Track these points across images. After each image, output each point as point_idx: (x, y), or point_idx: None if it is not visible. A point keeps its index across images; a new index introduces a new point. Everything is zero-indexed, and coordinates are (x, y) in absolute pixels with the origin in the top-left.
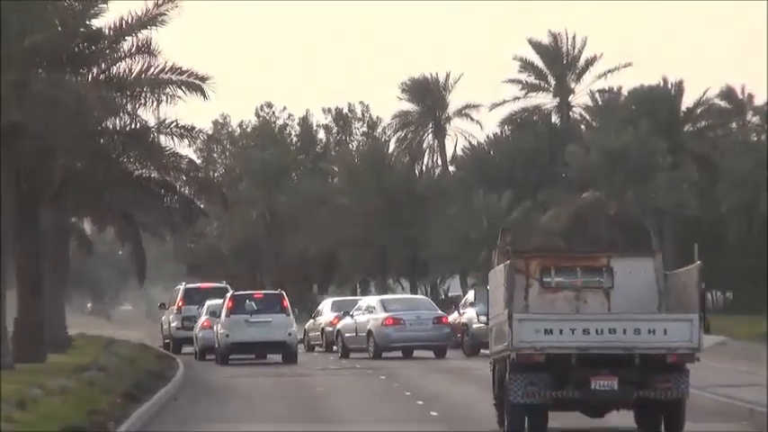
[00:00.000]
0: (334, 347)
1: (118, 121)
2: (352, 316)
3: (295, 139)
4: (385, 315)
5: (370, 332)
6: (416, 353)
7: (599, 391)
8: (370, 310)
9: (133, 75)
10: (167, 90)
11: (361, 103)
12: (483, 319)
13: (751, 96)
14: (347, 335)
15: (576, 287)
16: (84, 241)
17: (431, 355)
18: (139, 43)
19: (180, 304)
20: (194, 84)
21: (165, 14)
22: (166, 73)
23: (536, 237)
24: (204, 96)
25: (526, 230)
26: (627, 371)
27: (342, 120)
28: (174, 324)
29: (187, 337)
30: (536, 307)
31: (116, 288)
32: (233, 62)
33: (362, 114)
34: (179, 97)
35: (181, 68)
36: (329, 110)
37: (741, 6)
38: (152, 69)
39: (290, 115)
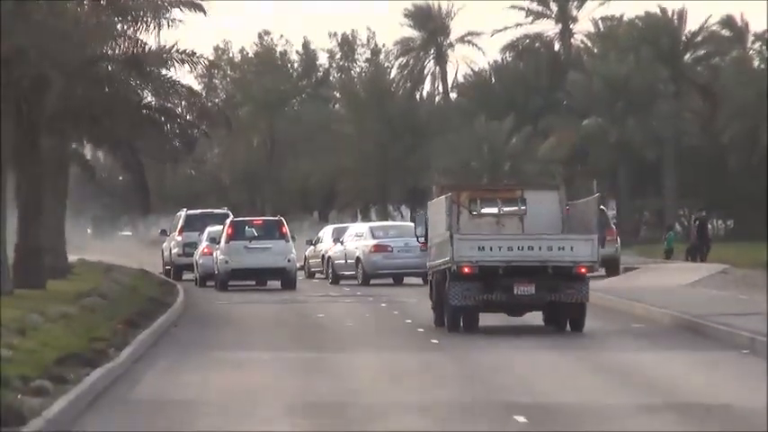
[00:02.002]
0: None
1: (120, 45)
2: (342, 242)
3: (296, 65)
4: (373, 242)
5: (358, 259)
6: (407, 279)
7: (520, 296)
8: (359, 237)
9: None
10: (168, 14)
11: (367, 29)
12: (422, 240)
13: (747, 24)
14: (337, 261)
15: (498, 213)
16: (85, 167)
17: (420, 281)
18: None
19: (181, 230)
20: (194, 2)
21: None
22: None
23: (536, 163)
24: (204, 13)
25: (527, 157)
26: (542, 279)
27: (347, 45)
28: (174, 250)
29: (188, 264)
30: (465, 229)
31: (116, 214)
32: None
33: (368, 40)
34: (180, 21)
35: None
36: (335, 34)
37: None
38: None
39: (287, 41)
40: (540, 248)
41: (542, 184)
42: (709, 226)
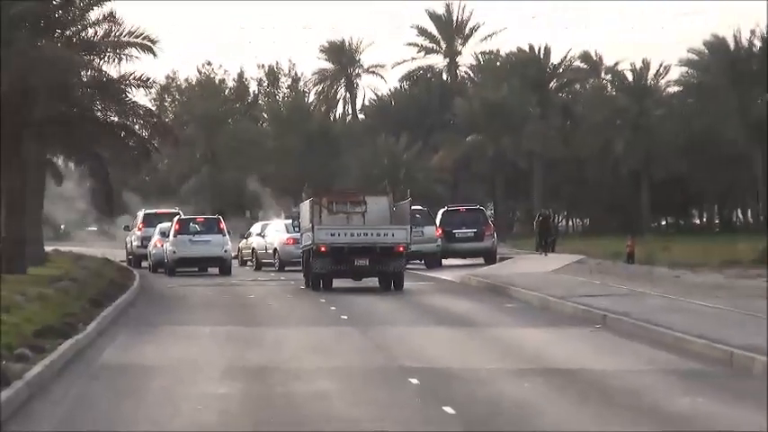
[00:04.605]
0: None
1: (87, 75)
2: (263, 236)
3: (231, 91)
4: (287, 236)
5: (275, 249)
6: None
7: (359, 266)
8: (277, 232)
9: (99, 37)
10: (126, 51)
11: (289, 60)
12: (297, 229)
13: (600, 57)
14: (259, 251)
15: (347, 211)
16: (56, 173)
17: None
18: (105, 14)
19: (140, 226)
20: (147, 45)
21: None
22: (125, 36)
23: (426, 172)
24: (154, 55)
25: (419, 167)
26: (373, 255)
27: (273, 75)
28: (135, 243)
29: (146, 254)
30: (325, 222)
31: (84, 212)
32: (183, 27)
33: (289, 70)
34: (137, 57)
35: (136, 32)
36: (263, 65)
37: None
38: (114, 33)
39: (225, 71)
40: (372, 234)
41: (378, 191)
42: (553, 221)
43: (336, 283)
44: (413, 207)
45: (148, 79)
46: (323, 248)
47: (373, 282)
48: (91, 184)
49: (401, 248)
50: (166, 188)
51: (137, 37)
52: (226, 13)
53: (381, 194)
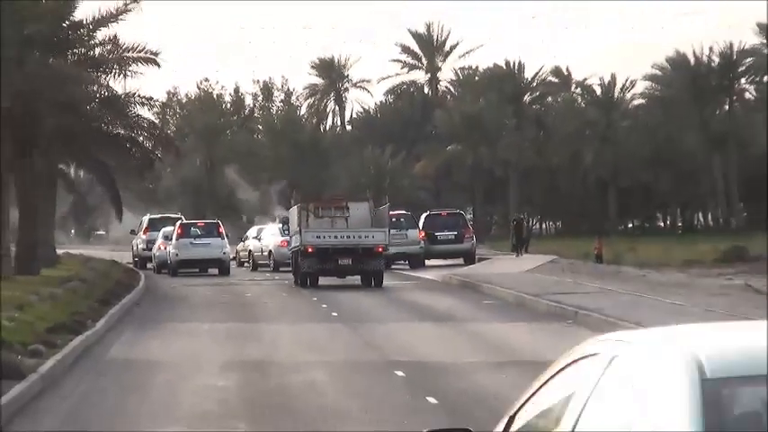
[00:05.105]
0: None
1: (94, 90)
2: (259, 239)
3: (229, 105)
4: (281, 239)
5: (270, 252)
6: None
7: (342, 265)
8: (272, 235)
9: (104, 55)
10: (131, 66)
11: (282, 76)
12: (286, 232)
13: (570, 73)
14: (256, 253)
15: (331, 216)
16: (68, 182)
17: None
18: (110, 36)
19: (145, 230)
20: (150, 58)
21: (130, 11)
22: (129, 51)
23: (410, 179)
24: (158, 66)
25: (403, 175)
26: (355, 255)
27: (267, 89)
28: (140, 246)
29: (150, 256)
30: (312, 226)
31: (93, 218)
32: (183, 27)
33: (282, 85)
34: (141, 73)
35: (138, 47)
36: (258, 81)
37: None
38: (118, 50)
39: (222, 87)
40: (354, 237)
41: (359, 197)
42: (527, 225)
43: (322, 280)
44: (398, 212)
45: (151, 98)
46: (310, 249)
47: (356, 279)
48: (101, 191)
49: (380, 249)
50: (170, 195)
51: (139, 51)
52: (226, 13)
53: (363, 200)
